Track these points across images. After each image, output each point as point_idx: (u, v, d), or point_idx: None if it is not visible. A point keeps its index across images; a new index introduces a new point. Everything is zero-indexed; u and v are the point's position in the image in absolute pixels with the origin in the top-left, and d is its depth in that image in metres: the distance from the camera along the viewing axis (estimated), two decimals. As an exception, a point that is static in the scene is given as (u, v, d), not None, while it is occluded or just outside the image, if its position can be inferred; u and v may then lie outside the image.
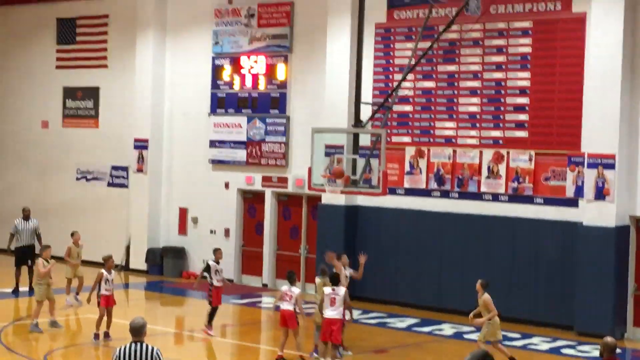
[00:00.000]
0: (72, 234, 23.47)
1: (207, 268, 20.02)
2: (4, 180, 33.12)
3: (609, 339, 11.52)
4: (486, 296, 17.71)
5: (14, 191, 32.70)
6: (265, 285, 26.43)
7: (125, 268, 28.82)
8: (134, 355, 10.27)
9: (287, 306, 17.60)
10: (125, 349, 10.29)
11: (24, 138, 32.55)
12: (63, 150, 31.38)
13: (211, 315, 19.85)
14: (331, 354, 16.93)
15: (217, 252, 20.30)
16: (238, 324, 21.57)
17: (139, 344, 10.36)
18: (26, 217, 25.01)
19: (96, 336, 18.67)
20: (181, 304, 24.63)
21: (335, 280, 17.15)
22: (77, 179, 31.01)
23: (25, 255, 24.61)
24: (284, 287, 17.83)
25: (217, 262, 20.05)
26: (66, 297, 22.64)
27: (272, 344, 19.68)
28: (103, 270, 18.94)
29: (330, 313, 16.80)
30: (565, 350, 19.55)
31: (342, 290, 17.04)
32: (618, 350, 19.38)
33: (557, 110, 21.87)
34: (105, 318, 18.81)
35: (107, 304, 18.78)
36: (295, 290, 17.59)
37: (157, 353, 10.41)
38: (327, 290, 17.00)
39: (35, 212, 31.62)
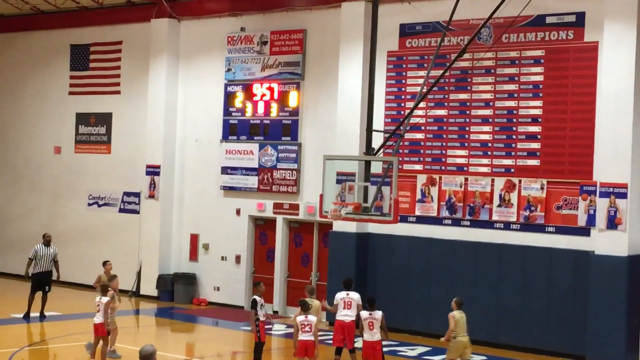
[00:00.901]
0: (104, 263, 22.33)
1: (254, 304, 18.87)
2: (17, 205, 33.20)
3: None
4: (450, 313, 17.81)
5: (27, 216, 32.77)
6: (276, 312, 26.37)
7: (136, 294, 28.81)
8: None
9: (307, 337, 17.13)
10: None
11: (36, 163, 32.66)
12: (75, 176, 31.46)
13: (258, 351, 18.86)
14: None
15: (258, 286, 19.35)
16: (250, 351, 21.46)
17: None
18: (47, 242, 24.94)
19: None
20: (192, 330, 24.59)
21: (372, 302, 17.79)
22: (89, 204, 31.08)
23: (42, 281, 24.53)
24: (300, 317, 17.30)
25: (261, 296, 19.02)
26: None
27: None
28: (100, 297, 18.91)
29: (368, 337, 17.51)
30: (577, 380, 19.41)
31: (378, 313, 17.64)
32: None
33: (569, 139, 21.84)
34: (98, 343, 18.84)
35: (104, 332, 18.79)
36: (312, 318, 17.19)
37: None
38: (365, 314, 17.63)
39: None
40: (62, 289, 30.42)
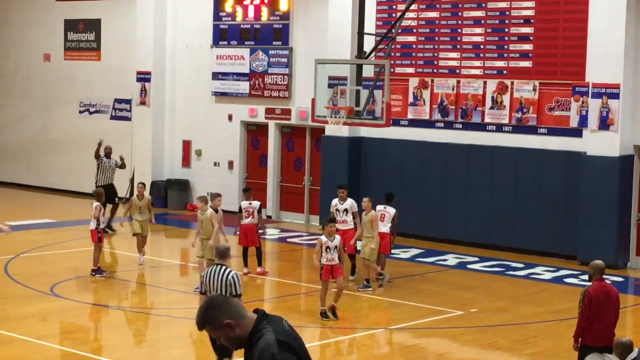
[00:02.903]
0: (137, 186, 21.22)
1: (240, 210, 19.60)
2: (8, 114, 33.07)
3: (597, 261, 12.02)
4: (373, 213, 18.05)
5: (18, 125, 32.67)
6: (269, 217, 26.50)
7: (129, 200, 28.86)
8: (214, 276, 11.66)
9: (331, 262, 15.86)
10: (210, 270, 11.78)
11: (25, 72, 32.42)
12: (66, 83, 31.27)
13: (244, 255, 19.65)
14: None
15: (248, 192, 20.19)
16: (240, 255, 21.62)
17: (219, 266, 11.76)
18: (107, 154, 24.54)
19: (98, 271, 18.74)
20: (186, 236, 24.73)
21: (390, 198, 18.97)
22: (80, 112, 30.95)
23: (110, 193, 23.46)
24: (323, 238, 15.89)
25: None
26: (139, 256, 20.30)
27: (277, 275, 19.81)
28: (96, 203, 18.99)
29: (383, 229, 18.49)
30: (568, 280, 19.67)
31: (392, 210, 18.78)
32: (621, 279, 19.57)
33: (561, 40, 21.72)
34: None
35: (103, 239, 18.89)
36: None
37: (232, 276, 11.66)
38: (380, 207, 18.61)
39: (39, 146, 31.79)
40: (55, 196, 30.54)
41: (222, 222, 17.74)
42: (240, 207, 19.69)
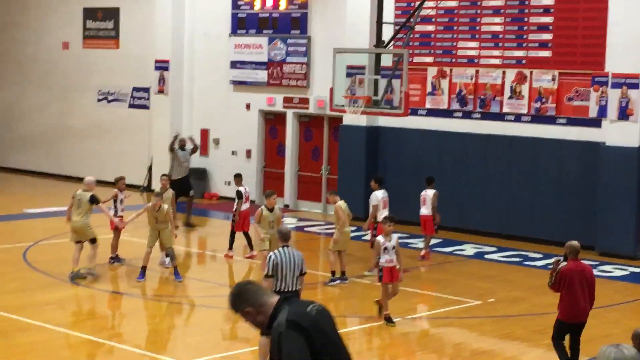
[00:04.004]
0: (161, 178, 20.29)
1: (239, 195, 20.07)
2: (27, 102, 33.16)
3: (573, 242, 12.61)
4: (336, 205, 17.97)
5: (37, 113, 32.78)
6: (287, 206, 26.51)
7: (147, 189, 28.94)
8: (285, 257, 12.21)
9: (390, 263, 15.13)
10: (280, 251, 12.29)
11: (44, 60, 32.50)
12: (84, 72, 31.34)
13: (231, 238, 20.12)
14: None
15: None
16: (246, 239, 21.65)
17: (285, 248, 12.38)
18: (182, 146, 24.02)
19: (116, 258, 18.77)
20: (204, 225, 24.77)
21: (430, 181, 20.16)
22: (99, 100, 31.02)
23: (184, 186, 23.30)
24: (381, 238, 15.25)
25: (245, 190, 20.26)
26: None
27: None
28: (115, 191, 19.00)
29: (425, 211, 19.93)
30: (586, 270, 19.55)
31: (431, 192, 20.05)
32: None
33: (581, 29, 21.60)
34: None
35: (123, 226, 18.84)
36: (395, 237, 15.42)
37: (300, 256, 12.39)
38: (422, 192, 20.01)
39: (57, 134, 31.91)
40: (73, 184, 30.63)
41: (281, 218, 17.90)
42: (240, 193, 19.98)
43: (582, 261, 12.70)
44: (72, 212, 17.72)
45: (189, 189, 23.61)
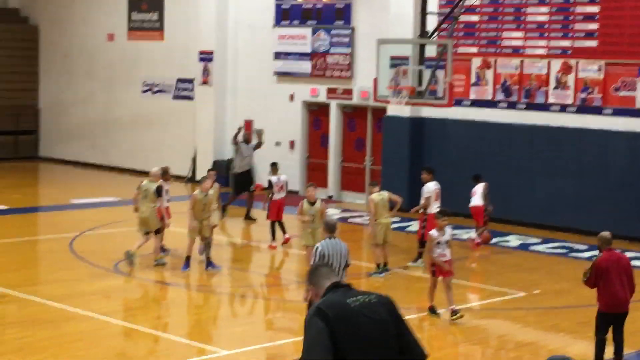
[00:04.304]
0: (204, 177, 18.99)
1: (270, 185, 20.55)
2: (72, 93, 33.45)
3: (604, 232, 12.53)
4: (369, 197, 18.00)
5: (82, 104, 33.05)
6: (330, 197, 26.53)
7: (192, 180, 29.09)
8: (332, 247, 12.26)
9: (443, 257, 14.81)
10: (327, 242, 12.37)
11: (90, 51, 32.75)
12: (129, 63, 31.54)
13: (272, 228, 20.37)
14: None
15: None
16: (298, 234, 21.69)
17: (332, 239, 12.44)
18: (247, 140, 23.86)
19: (161, 249, 18.85)
20: (239, 215, 24.83)
21: (477, 177, 20.58)
22: (143, 91, 31.21)
23: (245, 181, 23.25)
24: (434, 232, 14.93)
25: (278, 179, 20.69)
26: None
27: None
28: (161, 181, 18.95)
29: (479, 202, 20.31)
30: (632, 262, 19.35)
31: (480, 185, 20.41)
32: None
33: (628, 18, 21.37)
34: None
35: (168, 216, 18.88)
36: (449, 231, 15.17)
37: (346, 248, 12.47)
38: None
39: (103, 125, 32.16)
40: (119, 175, 30.89)
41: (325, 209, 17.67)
42: (270, 182, 20.49)
43: (616, 251, 12.64)
44: (139, 203, 17.94)
45: (250, 184, 23.45)
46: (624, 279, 12.30)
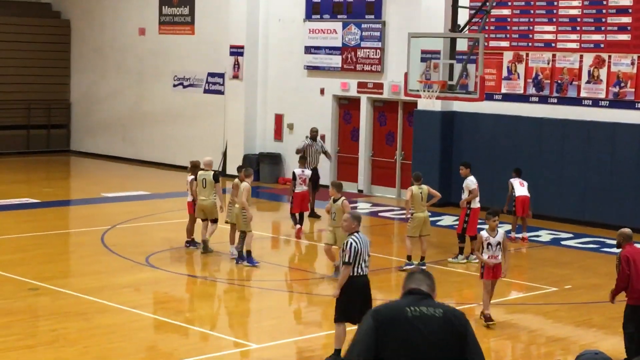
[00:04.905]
0: (240, 169, 18.51)
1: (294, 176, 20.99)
2: (104, 87, 33.61)
3: (624, 229, 12.51)
4: (408, 188, 18.08)
5: (113, 98, 33.20)
6: (360, 191, 26.50)
7: (222, 173, 29.13)
8: (363, 241, 12.10)
9: (494, 260, 14.19)
10: (357, 237, 12.09)
11: (121, 45, 32.88)
12: (160, 57, 31.64)
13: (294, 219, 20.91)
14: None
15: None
16: (292, 218, 21.67)
17: (360, 233, 12.24)
18: (314, 137, 23.42)
19: (192, 243, 18.90)
20: (277, 209, 24.88)
21: (518, 172, 20.27)
22: (174, 85, 31.30)
23: (314, 178, 22.54)
24: (484, 233, 14.27)
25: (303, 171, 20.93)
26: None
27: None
28: (191, 177, 18.93)
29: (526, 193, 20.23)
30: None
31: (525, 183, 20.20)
32: None
33: (661, 12, 21.18)
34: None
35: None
36: (308, 172, 15.94)
37: (345, 242, 12.12)
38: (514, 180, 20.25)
39: (134, 119, 32.30)
40: (149, 168, 31.02)
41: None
42: (294, 174, 20.82)
43: (635, 245, 12.65)
44: (198, 193, 18.32)
45: (317, 181, 23.05)
46: None
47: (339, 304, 12.09)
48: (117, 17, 32.90)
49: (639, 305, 12.25)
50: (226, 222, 18.36)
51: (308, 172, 20.97)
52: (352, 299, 11.96)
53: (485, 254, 14.08)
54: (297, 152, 22.98)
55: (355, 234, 12.27)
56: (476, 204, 18.24)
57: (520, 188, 20.32)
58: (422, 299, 6.05)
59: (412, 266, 17.52)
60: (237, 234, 17.88)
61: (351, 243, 12.08)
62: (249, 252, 17.58)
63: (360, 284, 12.03)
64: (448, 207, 23.13)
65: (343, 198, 16.58)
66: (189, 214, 18.97)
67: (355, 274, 12.00)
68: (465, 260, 18.20)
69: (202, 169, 18.55)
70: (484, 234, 14.21)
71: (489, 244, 14.10)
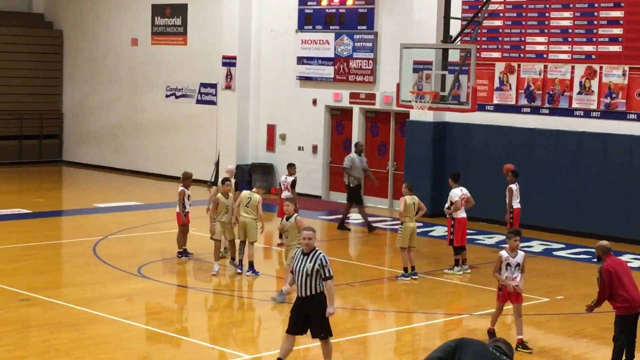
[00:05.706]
0: (212, 184, 19.45)
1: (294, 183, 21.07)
2: (96, 97, 33.60)
3: (603, 242, 12.53)
4: (402, 197, 17.98)
5: (106, 108, 33.20)
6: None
7: (214, 184, 29.07)
8: (302, 256, 11.77)
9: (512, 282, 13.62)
10: (297, 252, 11.88)
11: (114, 55, 32.89)
12: (152, 68, 31.66)
13: None
14: None
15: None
16: (326, 239, 21.75)
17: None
18: (359, 152, 23.10)
19: (184, 253, 18.92)
20: (270, 220, 24.85)
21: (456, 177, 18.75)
22: (167, 96, 31.32)
23: (359, 193, 22.86)
24: (504, 253, 13.67)
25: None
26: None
27: (361, 260, 19.83)
28: (181, 187, 19.01)
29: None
30: (657, 268, 19.30)
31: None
32: None
33: (652, 23, 21.27)
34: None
35: (188, 221, 18.96)
36: (522, 254, 13.84)
37: (323, 257, 11.76)
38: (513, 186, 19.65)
39: (126, 129, 32.29)
40: (142, 179, 31.00)
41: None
42: (279, 182, 21.58)
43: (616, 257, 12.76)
44: (242, 211, 18.12)
45: (361, 197, 23.10)
46: (632, 280, 12.38)
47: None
48: (110, 28, 32.92)
49: (627, 314, 12.30)
50: (211, 239, 18.19)
51: (290, 179, 21.07)
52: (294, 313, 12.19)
53: (504, 275, 13.52)
54: (345, 169, 22.76)
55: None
56: (460, 214, 18.21)
57: (517, 198, 20.03)
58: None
59: (408, 278, 17.53)
60: (237, 242, 17.95)
61: (326, 258, 11.76)
62: (251, 263, 17.63)
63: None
64: (439, 218, 23.13)
65: (297, 215, 15.92)
66: (178, 225, 18.95)
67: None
68: (461, 272, 18.23)
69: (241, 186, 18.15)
70: (503, 253, 13.58)
71: (508, 264, 13.52)
